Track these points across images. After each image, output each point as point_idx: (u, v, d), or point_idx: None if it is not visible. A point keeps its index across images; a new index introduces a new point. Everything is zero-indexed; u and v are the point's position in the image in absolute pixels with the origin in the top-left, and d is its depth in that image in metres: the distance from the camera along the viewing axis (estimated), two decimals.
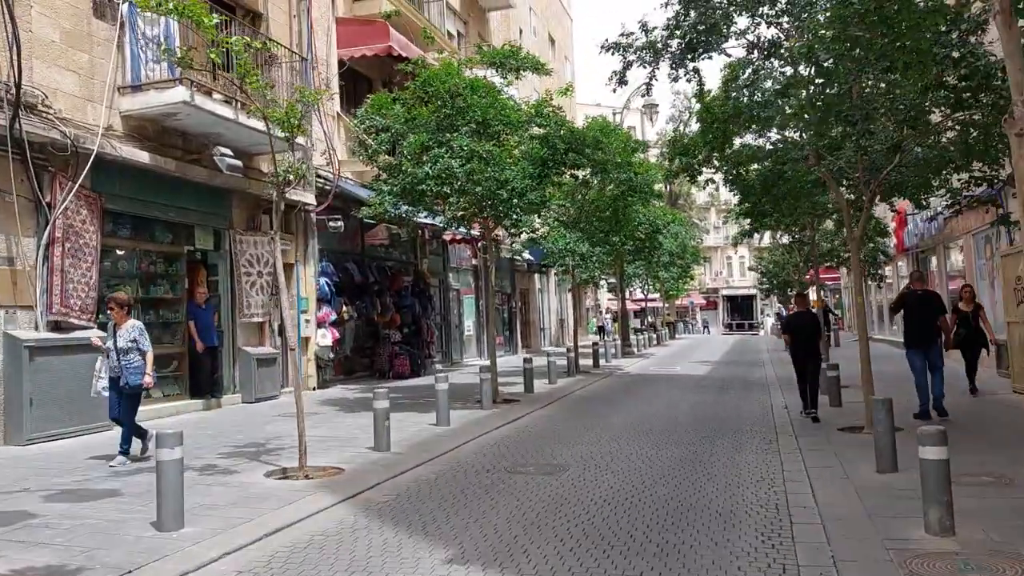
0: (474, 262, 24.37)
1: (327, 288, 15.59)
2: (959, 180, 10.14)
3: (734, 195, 16.22)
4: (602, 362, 22.42)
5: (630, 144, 16.85)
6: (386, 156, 12.40)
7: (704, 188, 13.77)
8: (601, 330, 42.14)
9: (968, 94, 7.94)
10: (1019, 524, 5.28)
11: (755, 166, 12.40)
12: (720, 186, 17.39)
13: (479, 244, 20.89)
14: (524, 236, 19.19)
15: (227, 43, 7.40)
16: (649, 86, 10.08)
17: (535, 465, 8.04)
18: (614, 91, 10.47)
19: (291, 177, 8.15)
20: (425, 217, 15.02)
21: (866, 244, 20.01)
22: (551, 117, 12.93)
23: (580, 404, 13.52)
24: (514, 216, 12.29)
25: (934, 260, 21.45)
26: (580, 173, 14.46)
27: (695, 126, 13.64)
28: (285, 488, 6.98)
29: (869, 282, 26.93)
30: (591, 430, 10.38)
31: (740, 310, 65.22)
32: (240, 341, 13.64)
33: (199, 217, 12.98)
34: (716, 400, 13.69)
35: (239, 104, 11.88)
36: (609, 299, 49.61)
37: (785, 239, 27.92)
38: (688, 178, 13.62)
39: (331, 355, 15.61)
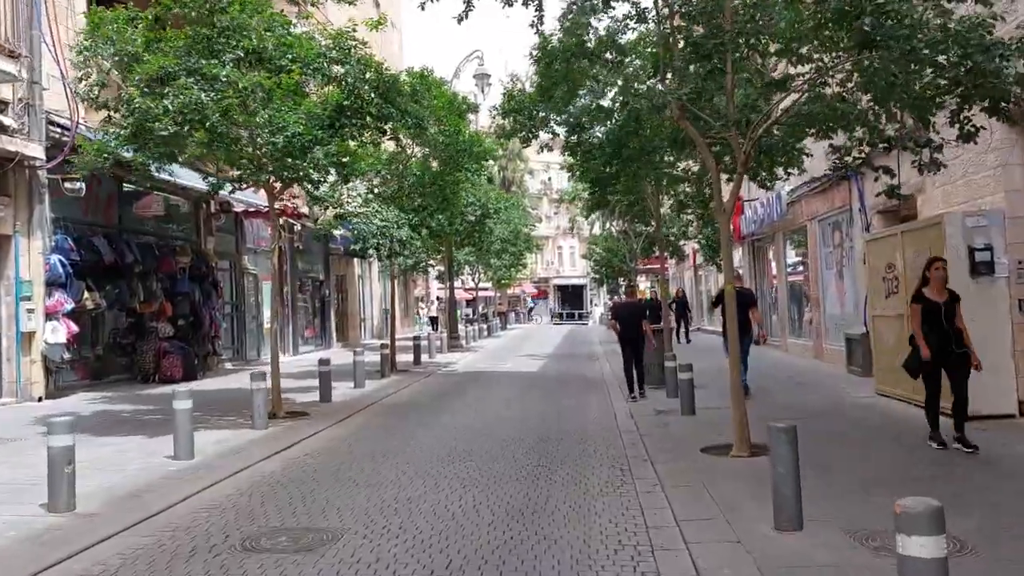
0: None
1: (61, 268, 11.97)
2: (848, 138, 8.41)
3: (571, 179, 14.26)
4: (426, 357, 19.92)
5: (456, 104, 14.31)
6: (119, 88, 9.09)
7: (540, 153, 11.51)
8: (434, 321, 39.73)
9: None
10: None
11: (599, 130, 10.43)
12: (552, 176, 15.62)
13: (281, 219, 17.67)
14: (330, 212, 16.29)
15: None
16: None
17: (291, 532, 5.36)
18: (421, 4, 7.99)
19: None
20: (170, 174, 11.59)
21: (711, 225, 18.85)
22: (353, 54, 10.11)
23: (386, 417, 10.86)
24: (301, 174, 9.42)
25: (771, 250, 20.66)
26: (389, 127, 11.66)
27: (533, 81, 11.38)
28: None
29: (711, 267, 26.22)
30: (391, 459, 7.80)
31: (571, 300, 64.94)
32: None
33: None
34: (551, 407, 11.48)
35: None
36: (440, 288, 47.16)
37: (616, 225, 26.78)
38: (522, 141, 11.49)
39: (65, 354, 12.00)
